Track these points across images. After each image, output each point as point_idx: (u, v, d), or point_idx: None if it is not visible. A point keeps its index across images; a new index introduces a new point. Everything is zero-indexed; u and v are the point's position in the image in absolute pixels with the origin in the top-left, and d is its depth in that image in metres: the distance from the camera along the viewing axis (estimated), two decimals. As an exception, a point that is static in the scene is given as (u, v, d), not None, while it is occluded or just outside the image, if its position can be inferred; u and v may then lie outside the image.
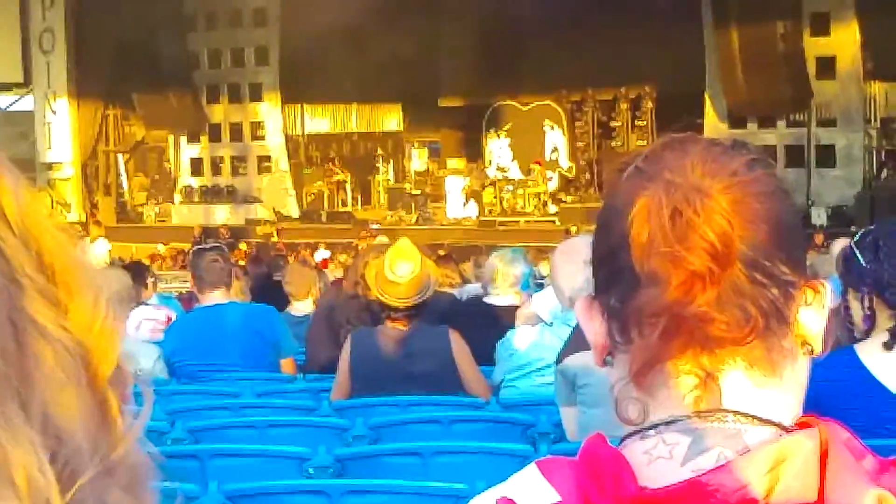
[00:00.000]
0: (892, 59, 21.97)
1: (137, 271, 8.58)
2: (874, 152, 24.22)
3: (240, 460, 4.31)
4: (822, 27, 23.51)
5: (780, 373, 1.04)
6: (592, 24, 24.04)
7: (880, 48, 22.57)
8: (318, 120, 30.77)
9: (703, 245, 0.99)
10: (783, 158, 23.50)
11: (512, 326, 5.77)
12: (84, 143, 29.62)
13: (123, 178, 31.03)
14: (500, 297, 6.92)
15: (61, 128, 29.33)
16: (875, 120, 24.22)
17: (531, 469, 1.06)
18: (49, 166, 29.51)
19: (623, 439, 1.06)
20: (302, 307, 8.44)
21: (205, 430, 4.72)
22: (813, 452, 0.98)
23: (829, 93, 23.79)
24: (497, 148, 28.44)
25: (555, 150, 28.37)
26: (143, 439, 0.63)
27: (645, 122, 26.85)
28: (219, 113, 30.09)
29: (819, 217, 22.40)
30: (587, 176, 27.78)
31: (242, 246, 23.71)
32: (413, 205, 28.03)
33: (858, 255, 3.16)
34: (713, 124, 24.15)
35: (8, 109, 31.82)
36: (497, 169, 27.79)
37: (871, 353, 3.11)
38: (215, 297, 6.39)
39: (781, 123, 24.40)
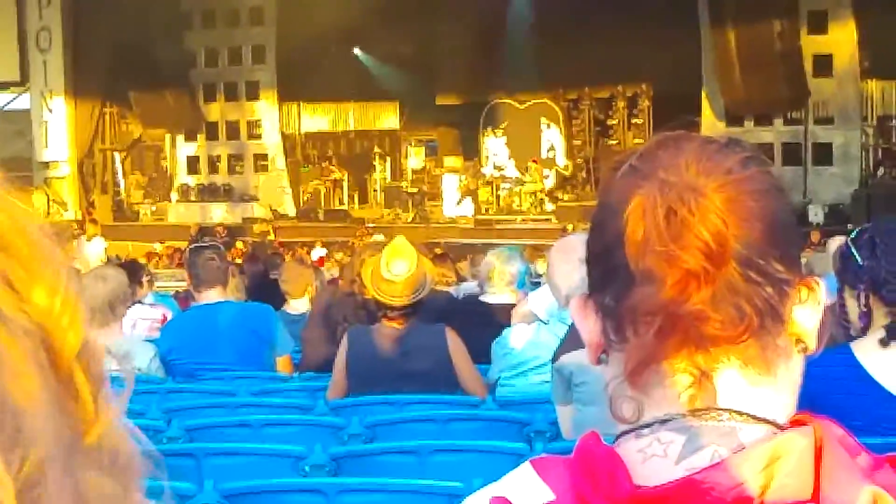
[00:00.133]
0: (889, 57, 21.98)
1: (132, 270, 8.57)
2: (871, 150, 24.25)
3: (236, 459, 4.30)
4: (819, 25, 23.54)
5: (775, 371, 1.04)
6: (589, 23, 24.04)
7: (877, 46, 22.60)
8: (315, 118, 30.78)
9: (697, 244, 0.99)
10: (780, 156, 23.54)
11: (508, 325, 5.77)
12: (81, 142, 29.60)
13: (120, 176, 31.03)
14: (496, 295, 6.92)
15: (58, 126, 29.31)
16: (872, 118, 24.26)
17: (525, 468, 1.06)
18: (46, 165, 29.51)
19: (618, 438, 1.06)
20: (298, 305, 8.44)
21: (201, 429, 4.71)
22: (807, 450, 0.98)
23: (827, 91, 23.83)
24: (494, 146, 28.45)
25: (551, 148, 28.38)
26: (135, 432, 0.62)
27: (642, 121, 26.87)
28: (215, 111, 30.11)
29: (816, 215, 22.43)
30: (584, 174, 27.79)
31: (239, 244, 23.69)
32: (410, 203, 28.05)
33: (855, 252, 3.16)
34: (710, 122, 24.17)
35: (4, 108, 31.80)
36: (494, 167, 27.80)
37: (867, 351, 3.11)
38: (212, 295, 6.38)
39: (778, 121, 24.45)
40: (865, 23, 22.77)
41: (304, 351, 6.98)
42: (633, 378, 1.04)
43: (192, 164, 30.64)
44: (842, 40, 23.44)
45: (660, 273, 1.00)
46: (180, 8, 28.87)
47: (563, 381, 4.17)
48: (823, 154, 23.98)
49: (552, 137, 28.44)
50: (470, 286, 9.64)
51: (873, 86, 24.09)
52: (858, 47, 23.33)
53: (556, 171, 27.82)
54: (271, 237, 26.42)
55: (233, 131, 30.06)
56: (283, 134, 29.71)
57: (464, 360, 5.37)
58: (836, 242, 6.74)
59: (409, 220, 27.06)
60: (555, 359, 4.24)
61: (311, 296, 8.49)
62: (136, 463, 0.61)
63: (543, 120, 28.45)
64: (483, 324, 6.34)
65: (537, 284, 7.79)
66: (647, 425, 1.04)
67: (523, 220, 26.05)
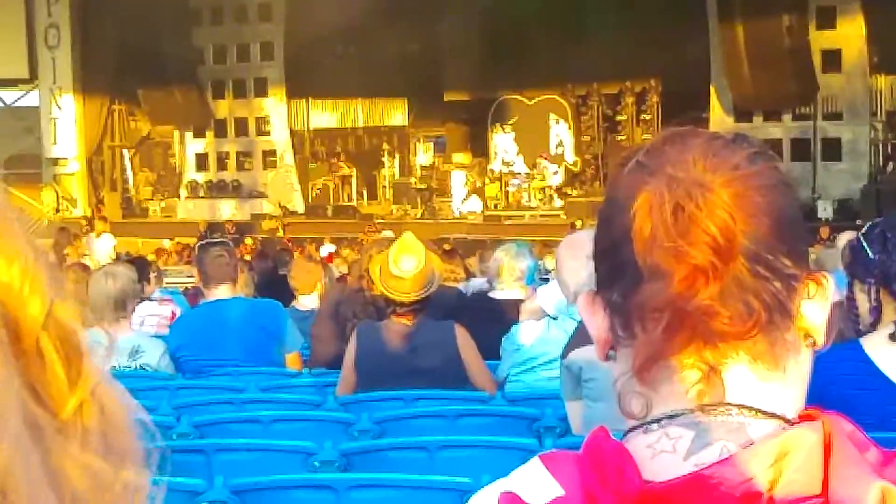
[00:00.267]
0: (899, 52, 21.96)
1: (140, 266, 8.58)
2: (880, 146, 24.19)
3: (245, 455, 4.31)
4: (827, 20, 23.47)
5: (784, 366, 1.04)
6: (598, 18, 23.99)
7: (886, 41, 22.53)
8: (324, 115, 30.78)
9: (705, 239, 0.99)
10: (789, 152, 23.49)
11: (517, 321, 5.76)
12: (89, 139, 29.66)
13: (129, 173, 31.06)
14: (505, 291, 6.91)
15: (67, 123, 29.38)
16: (881, 113, 24.19)
17: (534, 463, 1.06)
18: (55, 162, 29.57)
19: (626, 433, 1.06)
20: (307, 302, 8.44)
21: (210, 425, 4.73)
22: (816, 445, 0.98)
23: (835, 86, 23.76)
24: (502, 142, 28.43)
25: (560, 144, 28.33)
26: (148, 426, 0.60)
27: (650, 116, 26.79)
28: (224, 108, 30.14)
29: (825, 210, 22.38)
30: (592, 170, 27.75)
31: (248, 241, 23.69)
32: (418, 199, 28.04)
33: (866, 246, 3.16)
34: (719, 118, 24.13)
35: (14, 105, 31.88)
36: (502, 163, 27.77)
37: (876, 346, 3.10)
38: (221, 292, 6.39)
39: (787, 117, 24.38)
40: (874, 18, 22.69)
41: (313, 347, 6.99)
42: (641, 374, 1.04)
43: (201, 161, 30.67)
44: (850, 35, 23.38)
45: (667, 269, 1.00)
46: (189, 5, 28.91)
47: (573, 377, 4.17)
48: (832, 149, 23.92)
49: (561, 133, 28.39)
50: (479, 282, 9.63)
51: (882, 81, 24.02)
52: (867, 42, 23.25)
53: (565, 166, 27.78)
54: (280, 234, 26.43)
55: (241, 128, 30.09)
56: (291, 130, 29.74)
57: (473, 356, 5.37)
58: (845, 238, 6.74)
59: (418, 216, 27.05)
60: (564, 355, 4.23)
61: (320, 292, 8.49)
62: (130, 439, 0.59)
63: (552, 116, 28.39)
64: (492, 320, 6.33)
65: (546, 280, 7.78)
66: (656, 421, 1.04)
67: (532, 216, 26.03)
